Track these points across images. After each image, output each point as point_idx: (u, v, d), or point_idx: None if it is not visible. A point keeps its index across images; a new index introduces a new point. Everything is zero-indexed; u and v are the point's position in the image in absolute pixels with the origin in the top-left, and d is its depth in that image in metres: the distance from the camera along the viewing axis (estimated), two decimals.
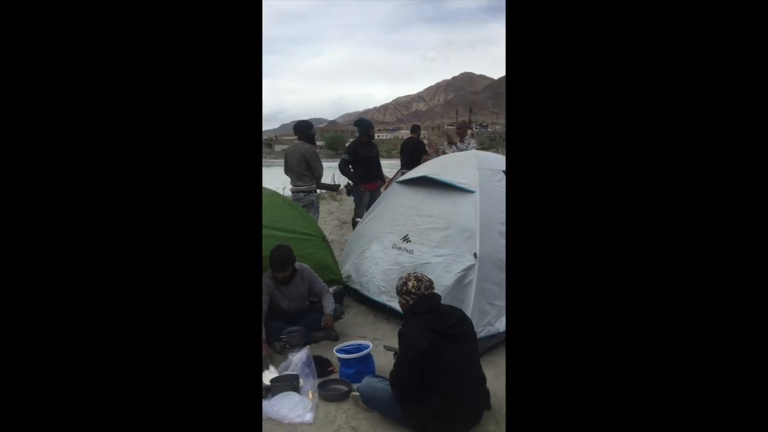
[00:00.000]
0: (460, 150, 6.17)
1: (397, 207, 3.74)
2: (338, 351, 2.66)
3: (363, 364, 2.58)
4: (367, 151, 5.48)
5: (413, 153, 6.16)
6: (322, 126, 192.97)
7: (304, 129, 4.84)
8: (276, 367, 2.69)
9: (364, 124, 5.67)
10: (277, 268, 3.02)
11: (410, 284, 2.20)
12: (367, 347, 2.65)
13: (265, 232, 3.34)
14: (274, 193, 3.73)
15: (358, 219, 5.69)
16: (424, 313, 2.11)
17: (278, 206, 3.61)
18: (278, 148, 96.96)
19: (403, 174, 6.14)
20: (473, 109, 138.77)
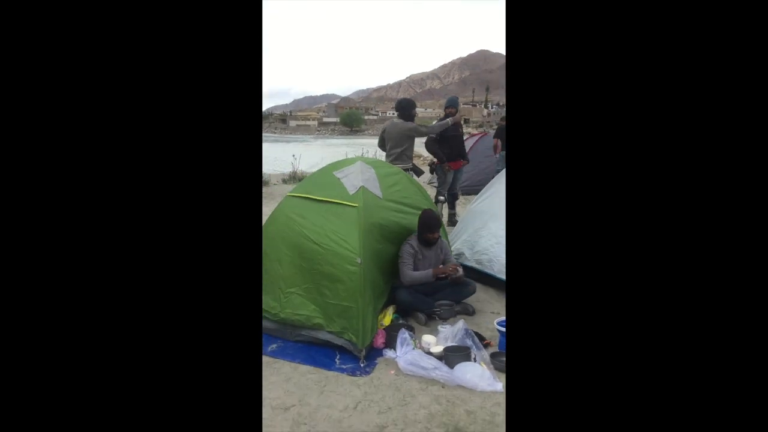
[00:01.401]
0: None
1: None
2: (500, 324, 2.76)
3: None
4: (453, 130, 5.49)
5: None
6: (335, 102, 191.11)
7: (407, 108, 4.85)
8: (435, 336, 2.80)
9: (450, 102, 5.66)
10: (429, 229, 3.21)
11: None
12: None
13: (398, 208, 3.45)
14: (401, 171, 3.78)
15: (441, 197, 5.76)
16: None
17: (405, 184, 3.67)
18: (293, 123, 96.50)
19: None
20: (489, 88, 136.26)
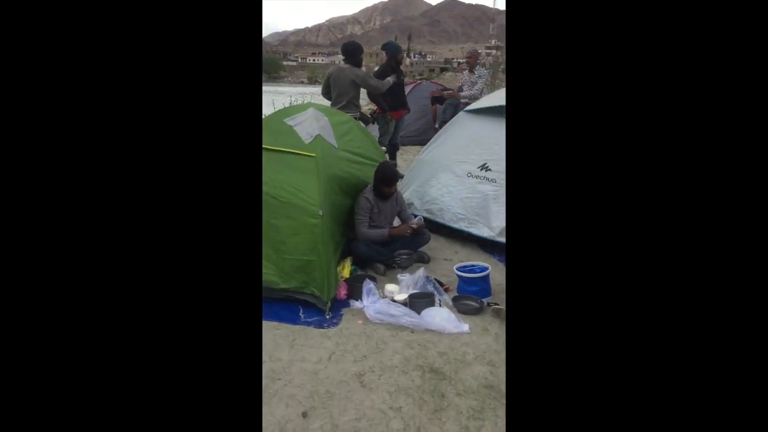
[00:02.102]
0: (473, 81, 6.26)
1: (469, 135, 3.82)
2: (459, 270, 2.86)
3: (485, 282, 2.81)
4: (395, 78, 5.36)
5: None
6: None
7: (355, 52, 4.60)
8: (397, 285, 2.85)
9: (392, 47, 5.48)
10: (386, 183, 3.15)
11: None
12: (486, 268, 2.87)
13: (353, 158, 3.35)
14: (352, 120, 3.65)
15: (383, 147, 5.69)
16: None
17: (357, 133, 3.57)
18: None
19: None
20: (411, 36, 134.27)
